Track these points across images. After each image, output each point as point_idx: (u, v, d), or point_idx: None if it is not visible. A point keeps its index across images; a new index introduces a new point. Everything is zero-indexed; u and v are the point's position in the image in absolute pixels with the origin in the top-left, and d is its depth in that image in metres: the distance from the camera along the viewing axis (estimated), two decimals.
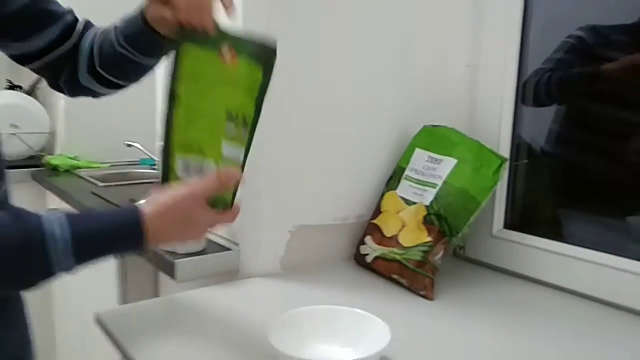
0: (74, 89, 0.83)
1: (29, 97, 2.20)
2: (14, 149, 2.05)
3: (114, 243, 0.61)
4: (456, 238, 0.94)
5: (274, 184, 0.95)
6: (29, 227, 0.56)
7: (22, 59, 0.77)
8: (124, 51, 0.74)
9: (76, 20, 0.79)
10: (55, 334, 1.91)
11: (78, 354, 1.65)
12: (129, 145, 1.93)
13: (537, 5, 1.02)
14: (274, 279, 0.96)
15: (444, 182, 0.96)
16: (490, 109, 1.08)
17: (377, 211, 1.04)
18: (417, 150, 1.04)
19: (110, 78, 0.78)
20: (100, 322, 0.77)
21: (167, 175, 0.64)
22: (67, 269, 0.58)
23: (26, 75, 2.17)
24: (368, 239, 1.02)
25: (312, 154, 1.00)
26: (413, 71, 1.09)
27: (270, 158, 0.94)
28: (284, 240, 0.99)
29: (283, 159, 0.97)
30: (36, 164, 2.04)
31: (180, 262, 0.90)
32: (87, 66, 0.78)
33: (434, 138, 1.04)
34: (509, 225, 1.07)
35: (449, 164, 0.97)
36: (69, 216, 0.58)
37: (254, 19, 0.91)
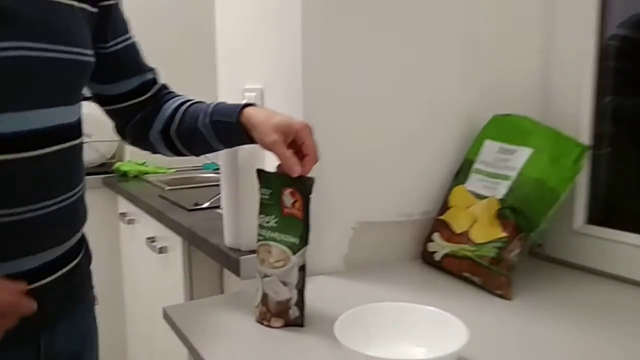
0: (138, 140, 0.87)
1: None
2: (87, 156, 2.14)
3: None
4: (534, 233, 0.88)
5: (336, 179, 0.93)
6: None
7: (99, 99, 0.84)
8: (203, 130, 0.78)
9: (155, 80, 0.85)
10: (126, 331, 1.98)
11: (148, 350, 1.69)
12: None
13: None
14: (337, 277, 0.93)
15: (519, 174, 0.89)
16: (567, 95, 1.01)
17: (445, 207, 0.98)
18: (487, 141, 0.98)
19: (177, 144, 0.83)
20: (167, 317, 0.77)
21: None
22: None
23: None
24: (436, 235, 0.97)
25: (374, 148, 0.97)
26: (479, 59, 1.03)
27: (332, 154, 0.92)
28: (346, 238, 0.96)
29: (345, 154, 0.94)
30: (107, 171, 2.13)
31: (244, 259, 0.90)
32: (162, 126, 0.82)
33: (505, 128, 0.98)
34: (591, 219, 0.98)
35: (523, 154, 0.91)
36: None
37: (315, 13, 0.89)
